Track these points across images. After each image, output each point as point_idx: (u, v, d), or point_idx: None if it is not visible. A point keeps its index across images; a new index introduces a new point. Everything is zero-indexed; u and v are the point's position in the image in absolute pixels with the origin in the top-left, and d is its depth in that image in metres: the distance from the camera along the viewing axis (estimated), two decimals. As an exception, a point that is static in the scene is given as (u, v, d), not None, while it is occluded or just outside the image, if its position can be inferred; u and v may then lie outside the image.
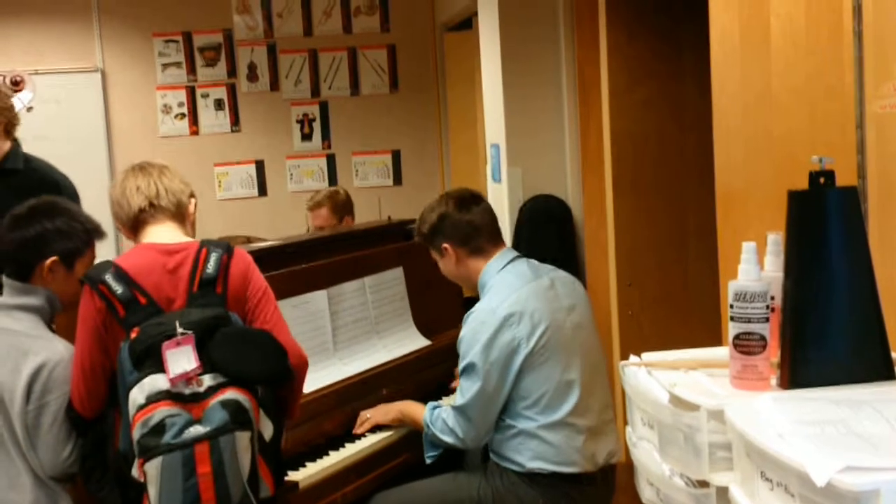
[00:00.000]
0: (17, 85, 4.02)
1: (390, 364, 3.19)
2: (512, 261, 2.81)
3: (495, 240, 2.86)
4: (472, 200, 2.87)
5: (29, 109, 3.99)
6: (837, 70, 1.82)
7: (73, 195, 3.17)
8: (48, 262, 2.40)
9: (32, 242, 2.40)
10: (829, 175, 1.42)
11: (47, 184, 3.04)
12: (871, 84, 1.74)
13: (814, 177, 1.43)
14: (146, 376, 2.11)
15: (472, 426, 2.67)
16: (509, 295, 2.69)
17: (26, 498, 2.32)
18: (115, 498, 2.28)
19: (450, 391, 3.26)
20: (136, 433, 2.07)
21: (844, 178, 1.49)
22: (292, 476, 2.60)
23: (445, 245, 2.83)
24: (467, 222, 2.81)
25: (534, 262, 2.87)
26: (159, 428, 2.05)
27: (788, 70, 2.00)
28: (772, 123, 2.06)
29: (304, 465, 2.69)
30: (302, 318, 2.94)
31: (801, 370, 1.42)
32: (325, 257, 3.20)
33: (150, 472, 2.05)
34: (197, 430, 2.06)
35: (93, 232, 2.50)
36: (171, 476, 2.04)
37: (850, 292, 1.40)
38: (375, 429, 2.95)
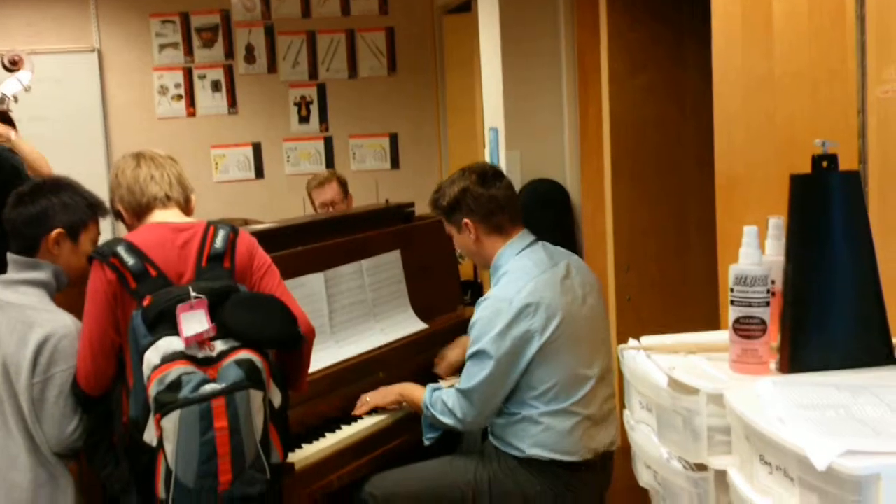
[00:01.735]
0: (14, 65, 3.98)
1: (387, 347, 3.19)
2: (529, 245, 2.75)
3: (515, 220, 2.77)
4: (495, 176, 2.79)
5: (27, 90, 3.96)
6: (840, 55, 1.81)
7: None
8: (53, 234, 2.43)
9: (37, 217, 2.44)
10: (832, 159, 1.42)
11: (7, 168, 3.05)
12: (874, 69, 1.73)
13: (816, 160, 1.42)
14: (160, 338, 2.15)
15: (473, 409, 2.65)
16: (526, 283, 2.63)
17: (26, 476, 2.33)
18: (120, 474, 2.30)
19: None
20: (153, 390, 2.10)
21: (846, 163, 1.49)
22: (288, 457, 2.59)
23: (466, 220, 2.75)
24: (490, 197, 2.73)
25: (550, 246, 2.80)
26: (176, 384, 2.09)
27: (790, 55, 1.99)
28: (773, 108, 2.06)
29: (300, 447, 2.69)
30: (298, 300, 2.91)
31: (801, 354, 1.42)
32: (322, 240, 3.18)
33: (167, 426, 2.08)
34: (213, 386, 2.11)
35: (96, 206, 2.54)
36: (189, 430, 2.07)
37: (852, 277, 1.40)
38: (373, 411, 2.95)
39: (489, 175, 2.78)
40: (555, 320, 2.62)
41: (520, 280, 2.65)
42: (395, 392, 2.95)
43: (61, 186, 2.51)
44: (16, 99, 3.92)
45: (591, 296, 2.78)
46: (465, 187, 2.74)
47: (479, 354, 2.63)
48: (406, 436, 2.95)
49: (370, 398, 2.96)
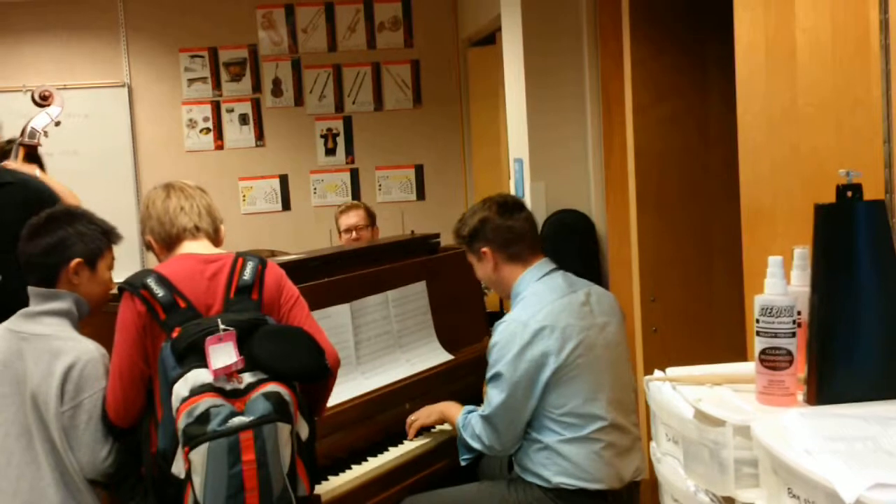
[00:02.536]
0: (45, 100, 4.05)
1: (413, 378, 3.19)
2: (549, 272, 2.78)
3: (534, 249, 2.82)
4: (515, 207, 2.85)
5: (57, 124, 4.03)
6: (864, 84, 1.81)
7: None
8: (73, 264, 2.46)
9: (54, 247, 2.47)
10: (857, 188, 1.41)
11: (40, 198, 3.09)
12: (899, 98, 1.72)
13: (841, 190, 1.41)
14: (189, 370, 2.17)
15: (497, 436, 2.67)
16: (542, 307, 2.67)
17: None
18: None
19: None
20: (182, 423, 2.11)
21: (872, 193, 1.48)
22: (315, 490, 2.59)
23: (484, 249, 2.80)
24: (508, 227, 2.79)
25: (570, 275, 2.83)
26: (204, 417, 2.10)
27: (814, 85, 1.98)
28: (798, 139, 2.05)
29: (326, 479, 2.70)
30: (325, 331, 2.95)
31: (828, 386, 1.40)
32: (348, 271, 3.20)
33: (196, 459, 2.09)
34: (241, 419, 2.11)
35: (110, 233, 2.57)
36: (217, 463, 2.07)
37: (879, 307, 1.39)
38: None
39: (509, 206, 2.84)
40: (571, 343, 2.63)
41: (536, 304, 2.69)
42: (437, 411, 3.01)
43: (74, 216, 2.55)
44: (45, 134, 3.98)
45: (612, 324, 2.79)
46: (484, 217, 2.80)
47: (497, 377, 2.66)
48: (434, 466, 2.96)
49: (416, 417, 3.02)
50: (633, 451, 2.74)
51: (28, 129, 3.93)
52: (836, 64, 1.91)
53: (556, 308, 2.67)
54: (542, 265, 2.80)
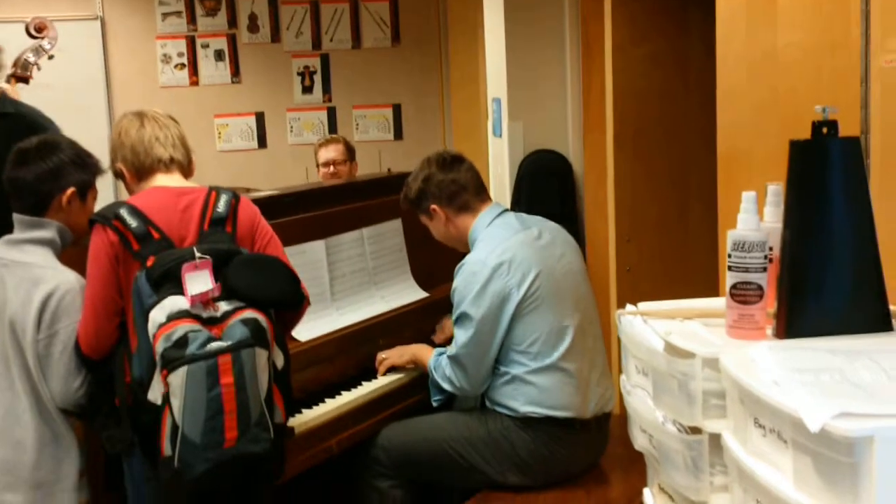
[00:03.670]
0: (40, 32, 3.99)
1: (387, 315, 3.20)
2: (500, 214, 2.85)
3: (481, 195, 2.89)
4: (454, 160, 2.91)
5: (50, 58, 3.96)
6: (844, 25, 1.80)
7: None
8: (68, 192, 2.44)
9: (51, 174, 2.44)
10: (833, 125, 1.41)
11: (37, 129, 3.05)
12: (878, 38, 1.72)
13: (816, 127, 1.42)
14: (165, 298, 2.17)
15: (466, 375, 2.72)
16: (498, 245, 2.73)
17: (30, 435, 2.36)
18: (121, 434, 2.32)
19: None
20: (160, 347, 2.12)
21: (848, 133, 1.48)
22: (289, 421, 2.61)
23: (433, 206, 2.87)
24: (452, 180, 2.85)
25: (522, 214, 2.92)
26: (182, 341, 2.11)
27: (794, 25, 1.97)
28: (777, 81, 2.05)
29: (300, 412, 2.72)
30: (299, 267, 2.92)
31: (797, 320, 1.42)
32: (323, 208, 3.19)
33: (174, 382, 2.10)
34: (219, 344, 2.13)
35: (96, 165, 2.55)
36: (195, 385, 2.09)
37: (850, 243, 1.40)
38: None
39: (448, 160, 2.91)
40: (530, 275, 2.69)
41: (492, 243, 2.76)
42: (409, 353, 3.03)
43: (65, 144, 2.52)
44: (38, 66, 3.92)
45: (568, 254, 2.86)
46: (427, 176, 2.87)
47: (462, 317, 2.72)
48: (407, 401, 2.99)
49: (386, 355, 3.03)
50: (599, 380, 2.81)
51: (21, 60, 3.86)
52: (815, 4, 1.90)
53: (511, 244, 2.73)
54: (493, 209, 2.87)
